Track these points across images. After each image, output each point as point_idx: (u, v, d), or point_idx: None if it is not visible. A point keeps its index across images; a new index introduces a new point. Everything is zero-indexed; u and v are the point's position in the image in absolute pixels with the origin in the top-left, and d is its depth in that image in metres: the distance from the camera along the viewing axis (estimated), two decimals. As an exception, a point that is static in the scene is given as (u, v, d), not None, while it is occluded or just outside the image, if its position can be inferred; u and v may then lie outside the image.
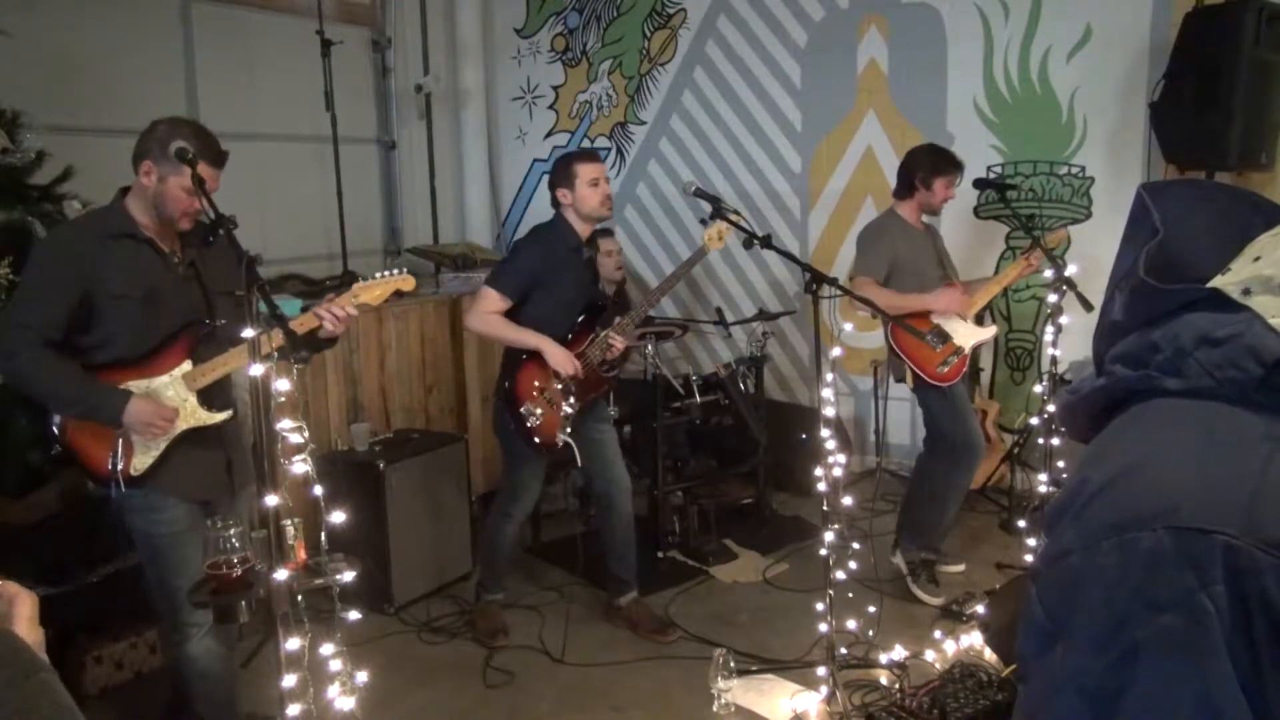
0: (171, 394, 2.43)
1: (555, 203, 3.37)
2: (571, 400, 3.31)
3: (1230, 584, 0.64)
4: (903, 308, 3.56)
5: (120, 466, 2.37)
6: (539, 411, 3.31)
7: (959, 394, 3.70)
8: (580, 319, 3.38)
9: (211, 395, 2.49)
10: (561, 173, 3.33)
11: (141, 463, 2.41)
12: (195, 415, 2.46)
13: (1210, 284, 0.79)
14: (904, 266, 3.67)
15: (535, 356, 3.29)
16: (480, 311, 3.29)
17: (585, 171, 3.28)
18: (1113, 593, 0.68)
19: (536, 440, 3.31)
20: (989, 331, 3.90)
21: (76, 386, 2.35)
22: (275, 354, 2.12)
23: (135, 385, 2.40)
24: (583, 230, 3.36)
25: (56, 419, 2.41)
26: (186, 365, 2.44)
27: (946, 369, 3.64)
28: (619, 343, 3.35)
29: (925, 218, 3.81)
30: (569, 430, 3.30)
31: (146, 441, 2.40)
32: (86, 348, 2.38)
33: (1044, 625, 0.74)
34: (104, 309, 2.36)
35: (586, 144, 6.01)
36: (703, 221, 3.37)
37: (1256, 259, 0.78)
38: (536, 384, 3.31)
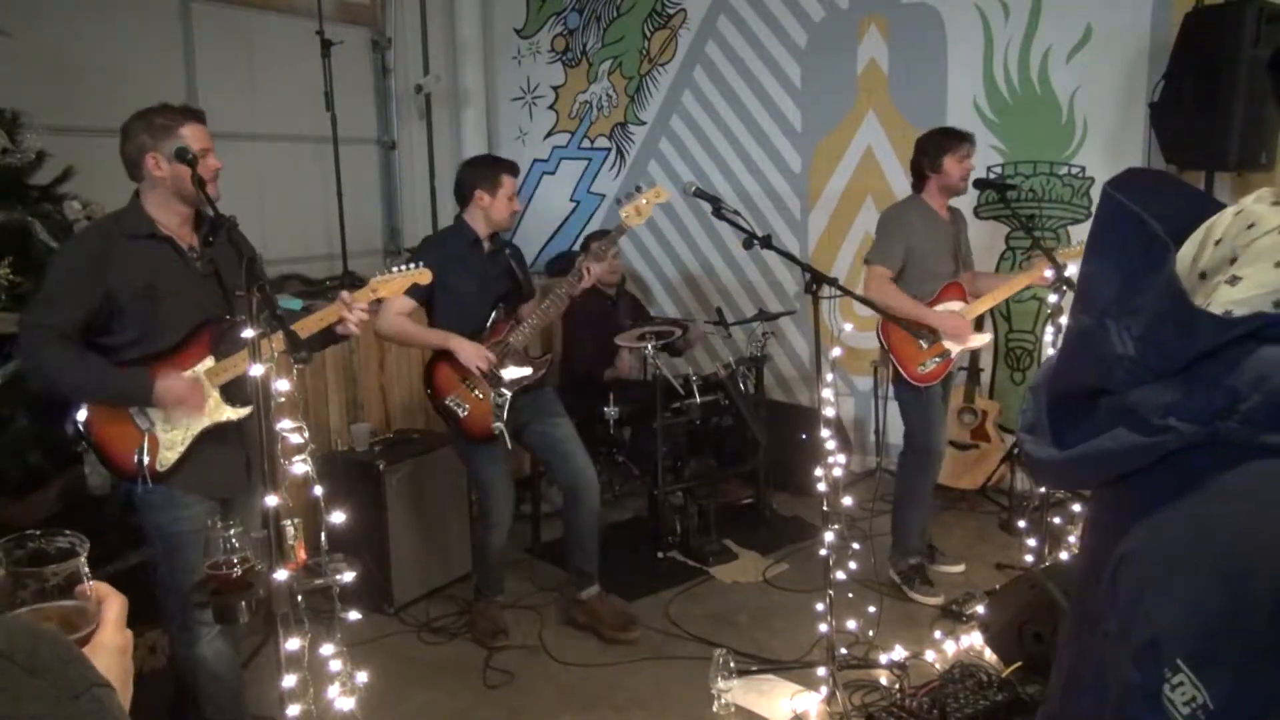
0: None
1: (464, 202, 3.44)
2: (501, 390, 3.31)
3: None
4: (904, 313, 3.54)
5: (146, 462, 2.38)
6: (465, 403, 3.35)
7: (934, 398, 3.71)
8: (496, 311, 3.41)
9: (233, 391, 2.50)
10: (486, 177, 3.40)
11: (166, 459, 2.42)
12: (219, 411, 2.47)
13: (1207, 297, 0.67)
14: (919, 259, 3.64)
15: (448, 352, 3.33)
16: (386, 315, 3.32)
17: (509, 184, 3.40)
18: None
19: (469, 432, 3.35)
20: (981, 339, 3.89)
21: (101, 374, 2.37)
22: (276, 353, 2.13)
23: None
24: (482, 230, 3.42)
25: (81, 417, 2.42)
26: (209, 361, 2.46)
27: (926, 370, 3.64)
28: (589, 279, 3.31)
29: (951, 202, 3.77)
30: (503, 419, 3.30)
31: (176, 429, 2.41)
32: (112, 347, 2.40)
33: None
34: (127, 309, 2.38)
35: (586, 144, 6.02)
36: (618, 201, 3.38)
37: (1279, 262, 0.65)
38: (457, 375, 3.35)
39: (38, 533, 0.78)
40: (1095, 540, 0.79)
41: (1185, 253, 0.72)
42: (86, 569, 0.79)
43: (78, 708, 0.56)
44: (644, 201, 3.26)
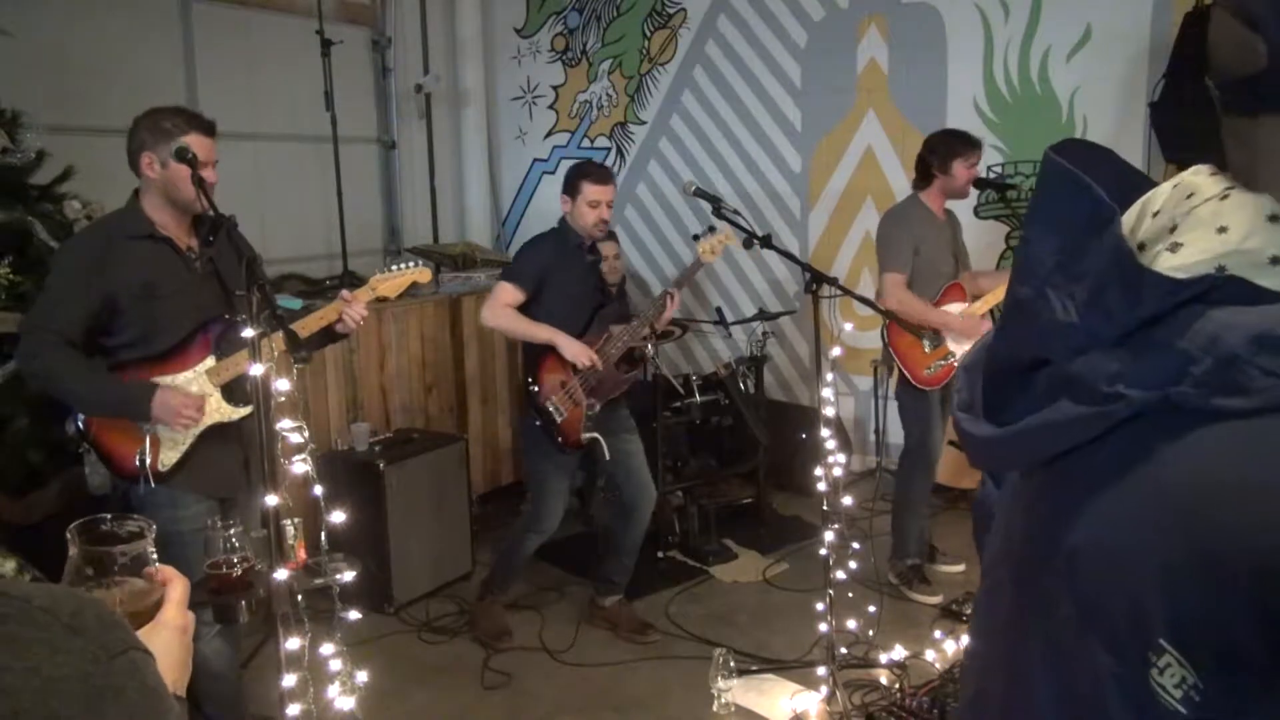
0: (196, 389, 2.46)
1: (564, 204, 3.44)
2: (592, 400, 3.36)
3: None
4: (918, 318, 3.53)
5: (147, 462, 2.39)
6: (564, 408, 3.35)
7: (933, 401, 3.71)
8: (591, 319, 3.43)
9: (234, 391, 2.51)
10: (570, 183, 3.40)
11: (168, 459, 2.43)
12: (220, 410, 2.48)
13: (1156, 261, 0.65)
14: (922, 260, 3.64)
15: (553, 352, 3.33)
16: (495, 305, 3.33)
17: (589, 191, 3.35)
18: None
19: (561, 439, 3.35)
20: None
21: (101, 387, 2.38)
22: (276, 353, 2.13)
23: (160, 381, 2.42)
24: (582, 234, 3.42)
25: (81, 416, 2.43)
26: (210, 361, 2.47)
27: (931, 373, 3.64)
28: (674, 305, 3.48)
29: (949, 204, 3.76)
30: (592, 429, 3.35)
31: (177, 432, 2.42)
32: (112, 347, 2.41)
33: None
34: (127, 309, 2.38)
35: (586, 144, 6.02)
36: (695, 237, 3.42)
37: (1222, 230, 0.64)
38: (559, 379, 3.36)
39: (109, 516, 0.84)
40: (1032, 526, 0.75)
41: (1123, 224, 0.70)
42: (154, 552, 0.84)
43: (112, 667, 0.58)
44: (718, 241, 3.50)
